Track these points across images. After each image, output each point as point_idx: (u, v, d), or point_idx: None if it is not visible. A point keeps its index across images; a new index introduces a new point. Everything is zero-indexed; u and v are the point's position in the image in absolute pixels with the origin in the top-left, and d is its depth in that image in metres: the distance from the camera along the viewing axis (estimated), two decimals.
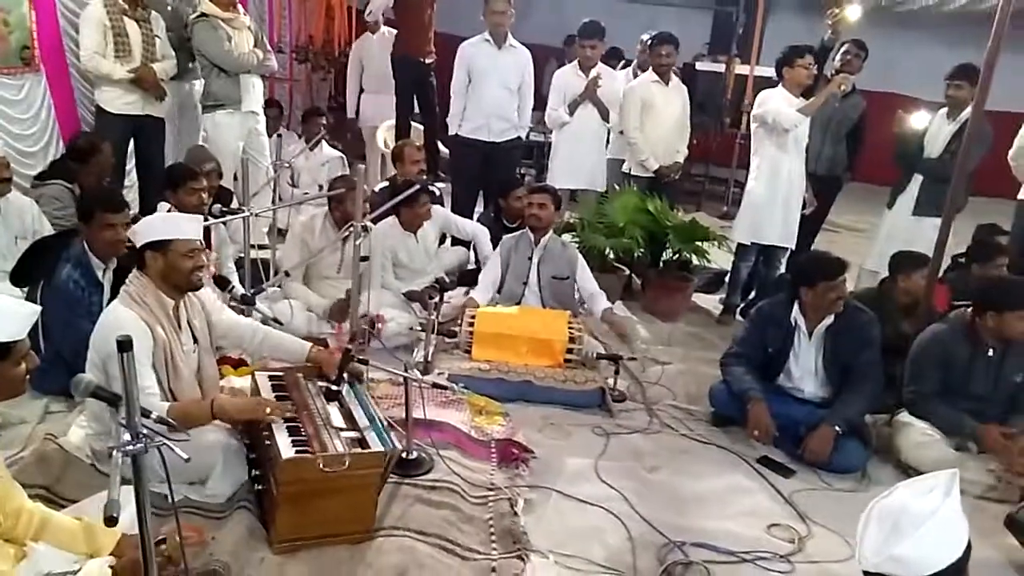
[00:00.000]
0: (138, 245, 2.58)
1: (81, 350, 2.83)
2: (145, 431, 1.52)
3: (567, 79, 5.35)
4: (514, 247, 4.39)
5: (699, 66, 8.30)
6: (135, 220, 3.20)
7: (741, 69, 8.13)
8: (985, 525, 2.88)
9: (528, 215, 4.33)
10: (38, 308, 1.84)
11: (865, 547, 1.49)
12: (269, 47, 5.21)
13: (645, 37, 5.52)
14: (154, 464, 1.63)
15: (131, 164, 5.02)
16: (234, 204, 4.45)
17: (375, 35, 6.85)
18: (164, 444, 1.55)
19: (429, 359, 3.63)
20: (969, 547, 1.49)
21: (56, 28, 4.74)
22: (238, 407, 2.56)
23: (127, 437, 1.49)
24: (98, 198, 3.23)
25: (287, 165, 4.66)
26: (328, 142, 6.16)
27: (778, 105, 4.67)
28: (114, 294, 3.14)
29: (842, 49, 5.13)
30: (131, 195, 4.87)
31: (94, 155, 4.08)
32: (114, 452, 1.46)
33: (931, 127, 4.71)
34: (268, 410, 2.49)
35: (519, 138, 5.51)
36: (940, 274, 3.76)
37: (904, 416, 3.39)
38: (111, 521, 1.36)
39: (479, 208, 5.70)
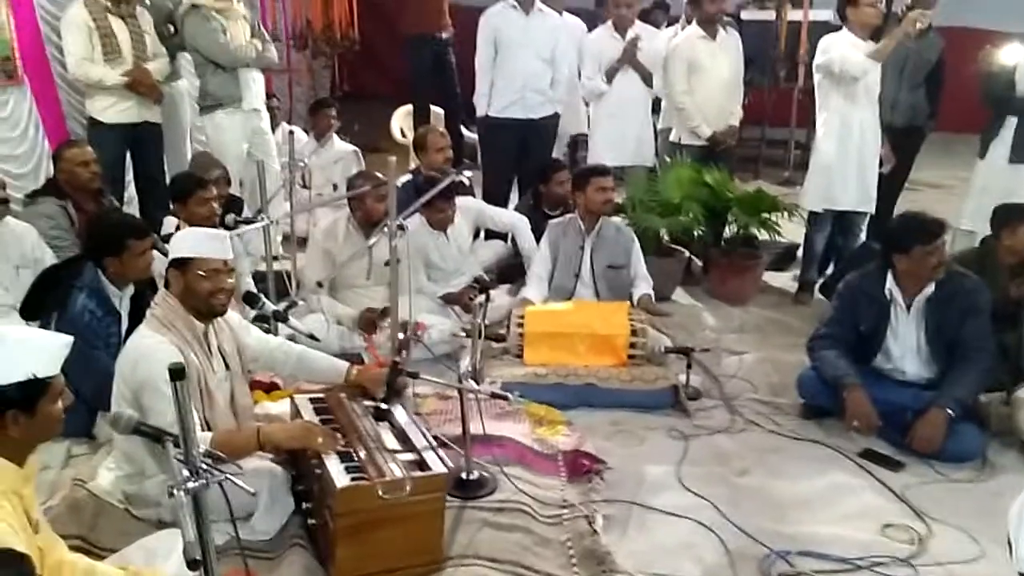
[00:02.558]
0: (168, 263, 2.64)
1: (103, 385, 2.90)
2: (204, 466, 1.54)
3: (602, 43, 5.32)
4: (562, 235, 4.38)
5: (744, 15, 8.21)
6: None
7: (793, 15, 8.03)
8: None
9: (602, 202, 4.32)
10: (70, 339, 1.88)
11: (1022, 547, 1.46)
12: (267, 36, 5.25)
13: None
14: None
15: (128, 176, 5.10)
16: (245, 212, 4.50)
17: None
18: (226, 478, 1.58)
19: (478, 367, 3.66)
20: None
21: (38, 35, 4.83)
22: (287, 433, 2.61)
23: (186, 473, 1.51)
24: (125, 226, 3.32)
25: (302, 164, 4.69)
26: (339, 135, 6.21)
27: (844, 51, 4.61)
28: (133, 321, 3.23)
29: None
30: (131, 211, 4.94)
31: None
32: (175, 491, 1.48)
33: (1022, 61, 4.62)
34: (320, 439, 2.52)
35: (556, 114, 5.50)
36: None
37: None
38: (194, 565, 1.38)
39: (513, 197, 5.71)
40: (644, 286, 4.40)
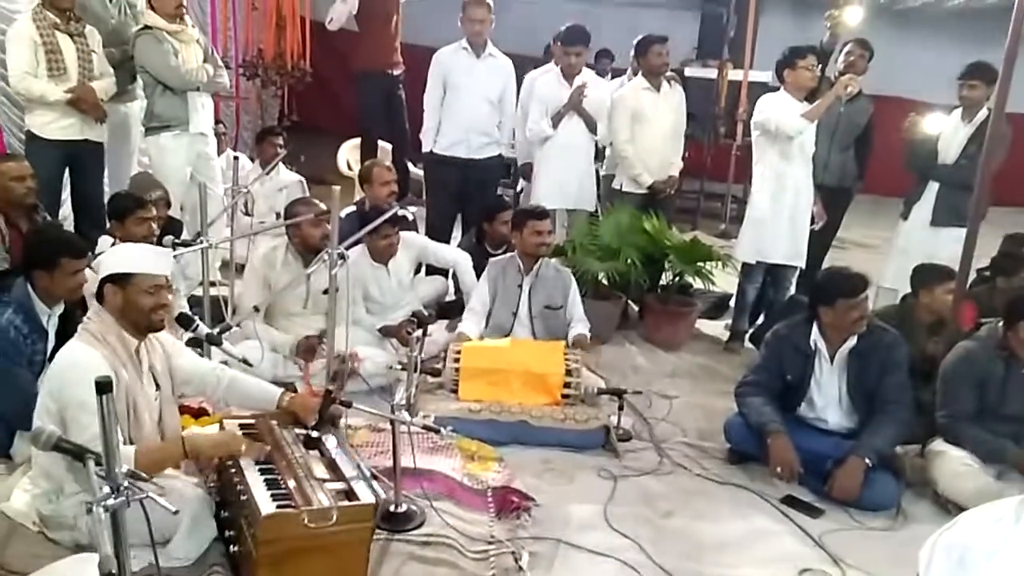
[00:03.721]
0: (100, 277, 2.58)
1: (24, 404, 2.82)
2: (125, 483, 1.51)
3: (550, 88, 5.42)
4: (501, 273, 4.42)
5: (688, 72, 8.45)
6: None
7: (734, 75, 8.31)
8: None
9: (537, 244, 4.36)
10: None
11: None
12: (219, 62, 5.24)
13: (636, 41, 5.65)
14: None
15: (64, 194, 4.99)
16: (184, 236, 4.44)
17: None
18: (148, 497, 1.54)
19: (412, 401, 3.64)
20: None
21: None
22: (212, 441, 2.57)
23: (106, 490, 1.48)
24: (61, 242, 3.25)
25: (245, 190, 4.66)
26: (285, 165, 6.18)
27: (780, 111, 4.79)
28: (60, 341, 3.15)
29: (845, 49, 5.28)
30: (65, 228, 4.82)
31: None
32: (94, 507, 1.45)
33: (945, 131, 4.85)
34: (244, 446, 2.49)
35: (500, 155, 5.60)
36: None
37: (938, 444, 3.46)
38: None
39: (456, 233, 5.75)
40: (580, 327, 4.44)
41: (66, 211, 5.06)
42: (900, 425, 3.44)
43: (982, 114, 4.65)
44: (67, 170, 4.81)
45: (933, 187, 4.87)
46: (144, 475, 1.86)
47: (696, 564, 2.92)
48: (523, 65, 6.03)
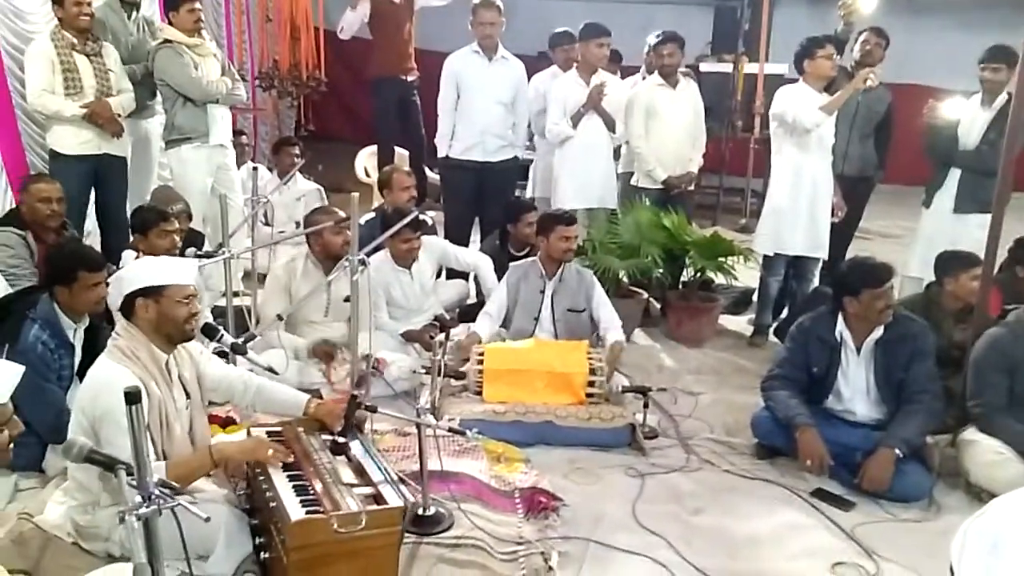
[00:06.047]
0: (125, 293, 2.60)
1: (55, 418, 2.86)
2: (157, 492, 1.52)
3: (568, 88, 5.37)
4: (523, 278, 4.40)
5: (703, 67, 8.39)
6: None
7: (750, 68, 8.25)
8: None
9: (564, 250, 4.33)
10: (21, 368, 1.86)
11: (963, 574, 1.49)
12: (236, 75, 5.28)
13: (652, 40, 5.62)
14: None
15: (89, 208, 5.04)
16: (206, 247, 4.48)
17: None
18: (179, 505, 1.56)
19: (437, 404, 3.65)
20: None
21: (0, 68, 4.79)
22: (239, 447, 2.60)
23: (138, 499, 1.49)
24: (77, 257, 3.30)
25: (265, 201, 4.70)
26: (303, 174, 6.22)
27: (798, 103, 4.75)
28: (86, 354, 3.19)
29: (860, 38, 5.23)
30: (91, 243, 4.87)
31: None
32: (127, 516, 1.46)
33: (964, 117, 4.79)
34: (271, 452, 2.51)
35: (515, 157, 5.60)
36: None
37: (970, 433, 3.41)
38: None
39: (475, 237, 5.75)
40: (615, 334, 4.30)
41: (90, 225, 5.12)
42: (929, 415, 3.40)
43: (1001, 99, 4.58)
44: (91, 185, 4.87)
45: (955, 174, 4.80)
46: (176, 485, 1.89)
47: (728, 560, 2.90)
48: (536, 65, 6.03)
